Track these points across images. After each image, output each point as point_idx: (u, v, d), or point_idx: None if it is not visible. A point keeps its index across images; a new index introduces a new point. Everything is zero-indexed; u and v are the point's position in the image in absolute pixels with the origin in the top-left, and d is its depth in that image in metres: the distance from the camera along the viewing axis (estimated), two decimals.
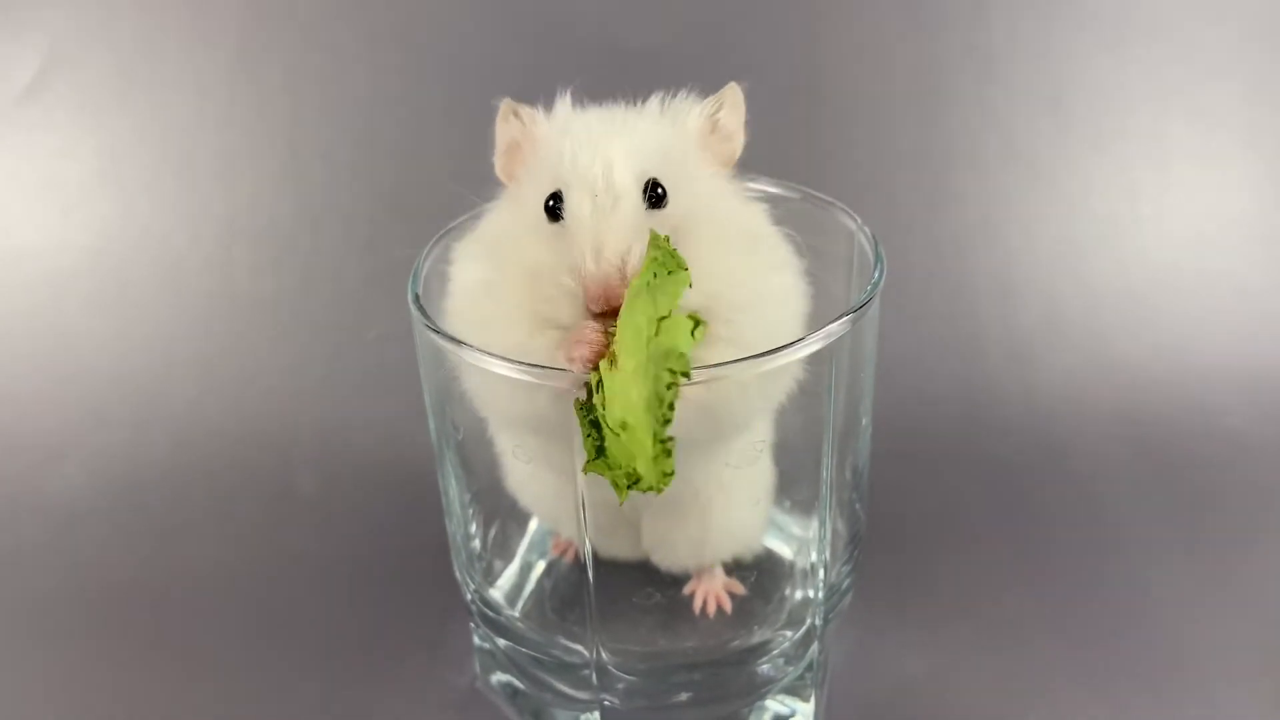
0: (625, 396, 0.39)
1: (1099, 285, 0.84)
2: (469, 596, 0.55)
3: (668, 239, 0.41)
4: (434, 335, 0.45)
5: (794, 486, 0.57)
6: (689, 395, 0.42)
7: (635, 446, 0.39)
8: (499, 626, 0.54)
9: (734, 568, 0.57)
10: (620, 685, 0.51)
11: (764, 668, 0.52)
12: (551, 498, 0.53)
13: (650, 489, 0.40)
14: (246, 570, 0.68)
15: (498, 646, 0.55)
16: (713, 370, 0.41)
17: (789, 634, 0.53)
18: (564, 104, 0.47)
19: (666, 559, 0.55)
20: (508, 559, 0.59)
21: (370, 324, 0.83)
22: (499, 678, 0.58)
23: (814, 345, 0.43)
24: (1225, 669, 0.58)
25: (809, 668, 0.54)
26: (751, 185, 0.50)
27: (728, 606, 0.56)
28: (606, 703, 0.52)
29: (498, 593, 0.57)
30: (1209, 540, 0.67)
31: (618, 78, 0.47)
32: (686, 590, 0.56)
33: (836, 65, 0.85)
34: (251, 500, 0.74)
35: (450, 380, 0.48)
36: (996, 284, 0.84)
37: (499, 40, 0.84)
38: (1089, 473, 0.73)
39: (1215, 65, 0.85)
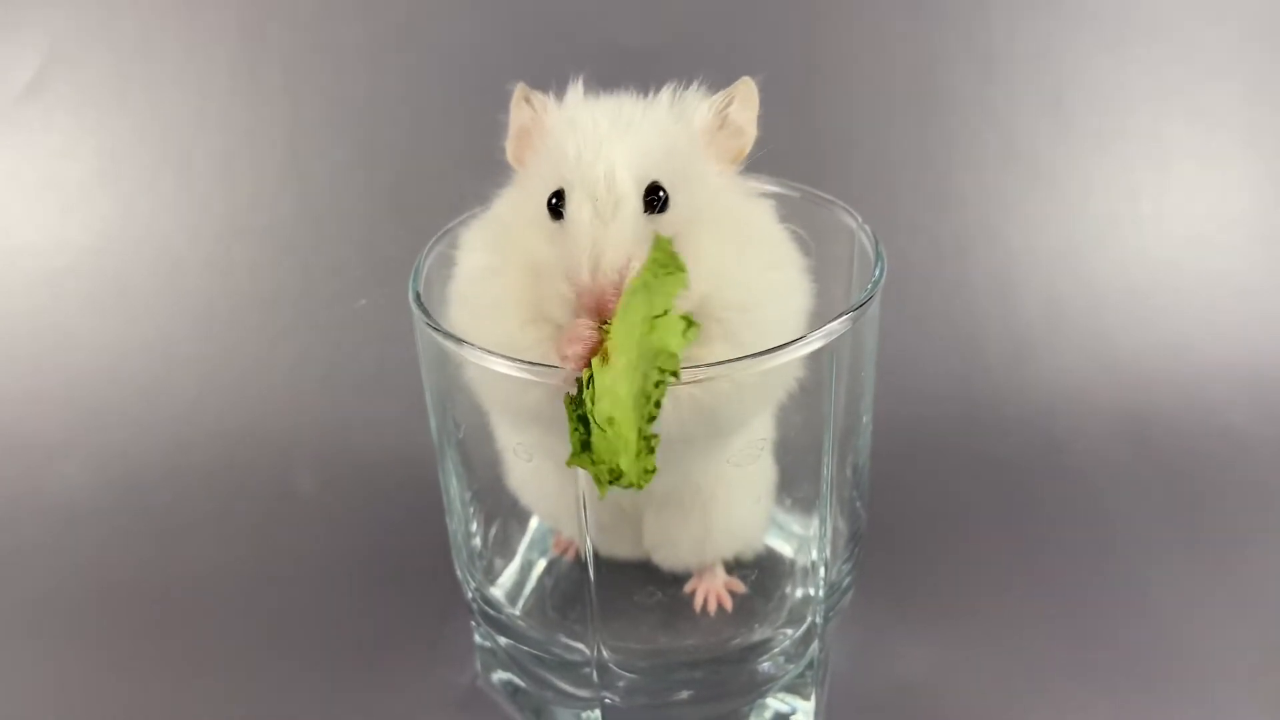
0: (614, 393, 0.39)
1: (1099, 285, 0.84)
2: (470, 595, 0.55)
3: (669, 240, 0.41)
4: (434, 333, 0.45)
5: (795, 484, 0.57)
6: (687, 393, 0.42)
7: (619, 442, 0.40)
8: (500, 625, 0.54)
9: (735, 566, 0.57)
10: (621, 683, 0.51)
11: (764, 666, 0.52)
12: (552, 496, 0.53)
13: (631, 485, 0.40)
14: (246, 570, 0.68)
15: (499, 645, 0.55)
16: (708, 369, 0.41)
17: (789, 632, 0.53)
18: (575, 92, 0.46)
19: (668, 557, 0.55)
20: (509, 557, 0.59)
21: (370, 325, 0.83)
22: (500, 676, 0.58)
23: (814, 344, 0.43)
24: (1225, 669, 0.58)
25: (809, 666, 0.54)
26: (752, 184, 0.50)
27: (728, 604, 0.56)
28: (607, 701, 0.52)
29: (499, 591, 0.57)
30: (1209, 539, 0.67)
31: (618, 78, 0.47)
32: (687, 588, 0.56)
33: (837, 65, 0.85)
34: (251, 500, 0.73)
35: (453, 375, 0.48)
36: (996, 283, 0.84)
37: (499, 40, 0.84)
38: (1089, 472, 0.73)
39: (1215, 65, 0.85)
